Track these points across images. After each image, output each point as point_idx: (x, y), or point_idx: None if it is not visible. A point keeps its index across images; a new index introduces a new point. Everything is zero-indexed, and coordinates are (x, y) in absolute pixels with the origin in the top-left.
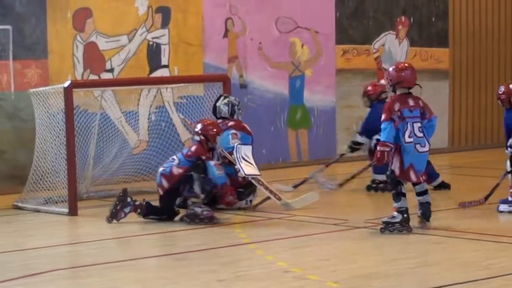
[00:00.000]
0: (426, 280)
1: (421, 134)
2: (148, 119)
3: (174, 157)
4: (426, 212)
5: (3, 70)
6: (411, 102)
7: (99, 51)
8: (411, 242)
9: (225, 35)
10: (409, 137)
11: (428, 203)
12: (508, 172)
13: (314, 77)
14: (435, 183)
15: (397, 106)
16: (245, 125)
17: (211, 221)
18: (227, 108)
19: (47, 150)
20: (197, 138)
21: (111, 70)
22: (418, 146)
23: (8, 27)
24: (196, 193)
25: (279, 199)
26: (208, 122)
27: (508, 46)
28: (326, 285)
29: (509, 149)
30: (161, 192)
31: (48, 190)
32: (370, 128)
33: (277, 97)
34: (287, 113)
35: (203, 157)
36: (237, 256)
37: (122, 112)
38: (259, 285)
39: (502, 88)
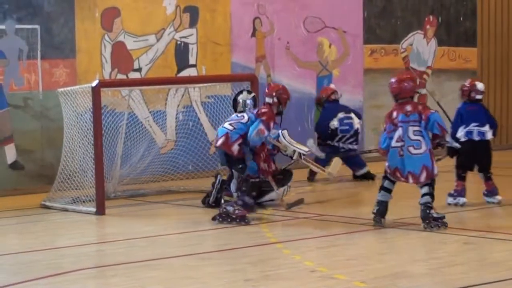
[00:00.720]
0: (453, 280)
1: (416, 137)
2: (176, 118)
3: (244, 114)
4: (421, 214)
5: (31, 69)
6: (408, 108)
7: (127, 50)
8: (440, 242)
9: (253, 35)
10: (396, 141)
11: (424, 205)
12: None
13: (342, 77)
14: (360, 172)
15: (395, 114)
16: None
17: (242, 220)
18: (252, 102)
19: (74, 150)
20: (269, 100)
21: (139, 70)
22: (411, 149)
23: (37, 26)
24: (231, 191)
25: (324, 171)
26: (281, 86)
27: None
28: (353, 285)
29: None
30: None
31: (76, 189)
32: (321, 130)
33: (305, 96)
34: (314, 113)
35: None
36: (264, 255)
37: (150, 112)
38: (286, 285)
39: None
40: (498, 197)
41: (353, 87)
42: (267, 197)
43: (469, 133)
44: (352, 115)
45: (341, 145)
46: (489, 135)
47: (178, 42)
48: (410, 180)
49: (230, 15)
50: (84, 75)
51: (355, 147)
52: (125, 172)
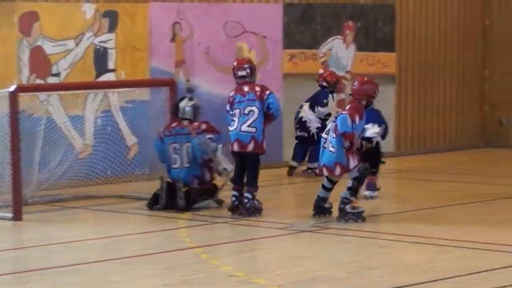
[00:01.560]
0: (370, 283)
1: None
2: (94, 123)
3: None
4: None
5: None
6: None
7: (45, 55)
8: (357, 246)
9: (173, 40)
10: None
11: (341, 199)
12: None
13: (261, 82)
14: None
15: None
16: (214, 126)
17: (260, 213)
18: (192, 110)
19: None
20: (242, 72)
21: (57, 74)
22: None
23: None
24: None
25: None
26: (248, 58)
27: (454, 51)
28: None
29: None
30: None
31: None
32: None
33: (225, 101)
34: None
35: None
36: (182, 260)
37: (68, 117)
38: None
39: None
40: (375, 193)
41: (272, 91)
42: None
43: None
44: (304, 105)
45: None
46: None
47: (97, 47)
48: (325, 172)
49: (149, 20)
50: (1, 79)
51: (303, 134)
52: (43, 177)
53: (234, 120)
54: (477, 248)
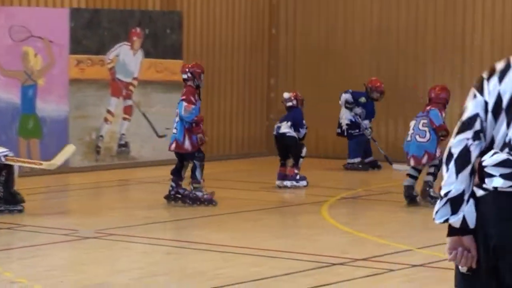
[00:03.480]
0: None
1: None
2: None
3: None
4: None
5: None
6: None
7: None
8: (142, 252)
9: None
10: None
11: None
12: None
13: (47, 87)
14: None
15: None
16: None
17: (210, 203)
18: None
19: None
20: (184, 76)
21: None
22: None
23: None
24: (197, 179)
25: (40, 164)
26: (194, 63)
27: (241, 59)
28: None
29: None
30: None
31: None
32: None
33: (9, 106)
34: (19, 122)
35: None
36: None
37: None
38: None
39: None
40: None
41: (58, 97)
42: None
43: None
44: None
45: None
46: (282, 129)
47: None
48: (412, 162)
49: None
50: None
51: None
52: None
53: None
54: (261, 255)
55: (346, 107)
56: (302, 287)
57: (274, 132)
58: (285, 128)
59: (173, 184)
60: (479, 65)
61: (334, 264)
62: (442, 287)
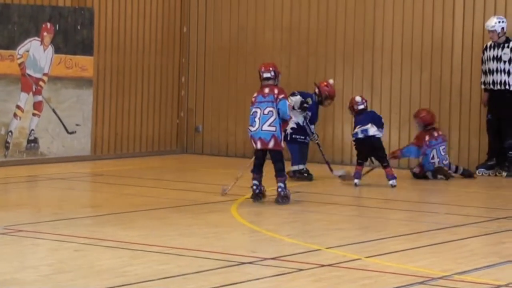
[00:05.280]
0: (61, 287)
1: None
2: None
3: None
4: None
5: None
6: None
7: None
8: (51, 249)
9: None
10: None
11: None
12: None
13: None
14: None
15: None
16: None
17: (288, 199)
18: None
19: None
20: (267, 74)
21: None
22: None
23: None
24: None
25: None
26: (272, 62)
27: (152, 56)
28: None
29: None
30: None
31: None
32: None
33: None
34: None
35: None
36: None
37: None
38: None
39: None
40: (393, 181)
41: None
42: None
43: (355, 134)
44: None
45: None
46: (371, 132)
47: None
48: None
49: None
50: None
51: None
52: None
53: (255, 120)
54: (170, 253)
55: (302, 109)
56: (210, 285)
57: (360, 136)
58: (374, 131)
59: (257, 182)
60: (388, 66)
61: (243, 263)
62: (350, 287)
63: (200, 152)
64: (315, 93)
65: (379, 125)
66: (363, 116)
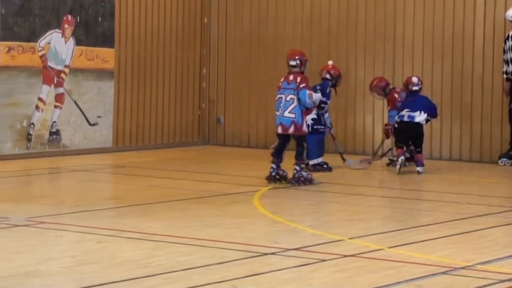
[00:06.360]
0: (84, 279)
1: None
2: None
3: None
4: None
5: None
6: None
7: None
8: (74, 241)
9: None
10: None
11: None
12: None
13: None
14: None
15: None
16: None
17: (311, 182)
18: None
19: None
20: (293, 62)
21: None
22: None
23: None
24: (304, 159)
25: None
26: (299, 50)
27: (173, 48)
28: None
29: None
30: None
31: None
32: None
33: None
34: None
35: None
36: None
37: None
38: None
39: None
40: (421, 168)
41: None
42: None
43: (401, 116)
44: None
45: None
46: (418, 119)
47: None
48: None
49: None
50: None
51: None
52: None
53: (280, 106)
54: (192, 244)
55: (319, 108)
56: (233, 276)
57: (405, 119)
58: (421, 119)
59: (274, 166)
60: (409, 56)
61: (265, 254)
62: (373, 277)
63: (221, 143)
64: (326, 78)
65: (433, 115)
66: (415, 100)
